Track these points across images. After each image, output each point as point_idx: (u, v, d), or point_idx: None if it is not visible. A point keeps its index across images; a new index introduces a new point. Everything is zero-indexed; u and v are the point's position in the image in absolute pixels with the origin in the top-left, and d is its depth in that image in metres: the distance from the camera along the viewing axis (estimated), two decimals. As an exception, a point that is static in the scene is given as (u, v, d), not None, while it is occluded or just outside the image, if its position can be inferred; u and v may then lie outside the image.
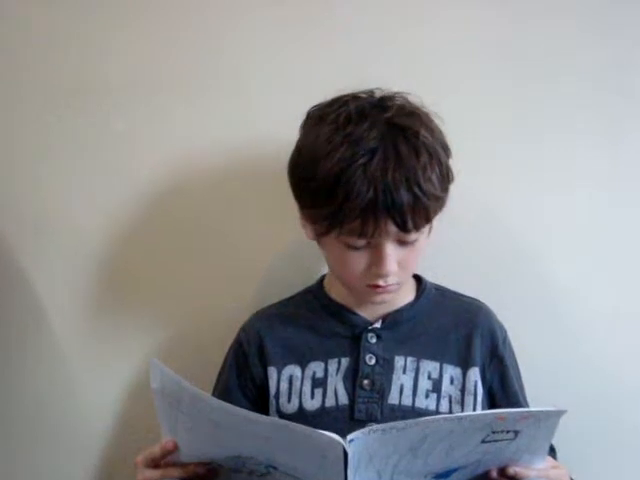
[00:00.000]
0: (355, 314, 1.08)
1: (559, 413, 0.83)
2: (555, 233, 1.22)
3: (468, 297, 1.13)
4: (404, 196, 0.94)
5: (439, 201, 0.99)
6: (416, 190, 0.94)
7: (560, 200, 1.22)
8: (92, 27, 1.22)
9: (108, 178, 1.23)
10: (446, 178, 1.00)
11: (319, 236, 1.02)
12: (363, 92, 1.02)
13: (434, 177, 0.96)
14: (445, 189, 1.00)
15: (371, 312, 1.08)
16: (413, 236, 0.98)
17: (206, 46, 1.22)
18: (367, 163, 0.94)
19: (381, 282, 1.00)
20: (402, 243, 0.99)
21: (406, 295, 1.09)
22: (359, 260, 0.99)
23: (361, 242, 0.98)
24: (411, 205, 0.94)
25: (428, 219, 0.98)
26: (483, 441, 0.84)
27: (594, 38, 1.20)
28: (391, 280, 1.00)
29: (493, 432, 0.83)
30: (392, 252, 0.98)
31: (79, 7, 1.22)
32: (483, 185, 1.19)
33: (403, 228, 0.95)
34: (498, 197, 1.21)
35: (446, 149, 1.01)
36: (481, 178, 1.18)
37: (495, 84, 1.21)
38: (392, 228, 0.95)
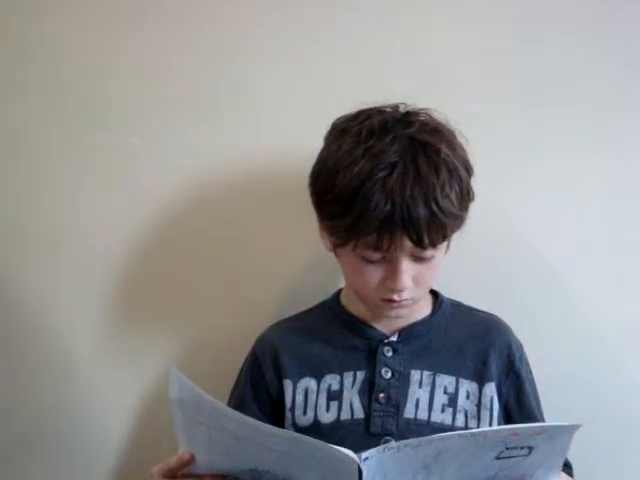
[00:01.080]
0: (371, 327, 1.08)
1: (573, 428, 0.83)
2: (572, 247, 1.22)
3: (484, 312, 1.13)
4: (421, 212, 0.94)
5: (457, 219, 0.99)
6: (433, 206, 0.94)
7: (577, 213, 1.22)
8: (103, 41, 1.22)
9: (122, 192, 1.23)
10: (466, 196, 1.00)
11: (336, 247, 1.02)
12: (388, 106, 1.02)
13: (453, 195, 0.96)
14: (464, 207, 1.00)
15: (387, 325, 1.08)
16: (429, 252, 0.98)
17: (220, 59, 1.22)
18: (386, 177, 0.94)
19: (395, 297, 1.00)
20: (418, 259, 0.98)
21: (423, 309, 1.09)
22: (374, 273, 0.99)
23: (377, 256, 0.98)
24: (427, 221, 0.94)
25: (445, 236, 0.98)
26: (497, 457, 0.83)
27: (598, 49, 1.21)
28: (405, 295, 1.00)
29: (507, 448, 0.82)
30: (407, 267, 0.98)
31: (91, 23, 1.22)
32: (499, 199, 1.19)
33: (419, 244, 0.95)
34: (515, 212, 1.21)
35: (468, 167, 1.01)
36: (497, 192, 1.18)
37: (509, 98, 1.22)
38: (407, 243, 0.95)
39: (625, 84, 1.20)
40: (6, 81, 1.24)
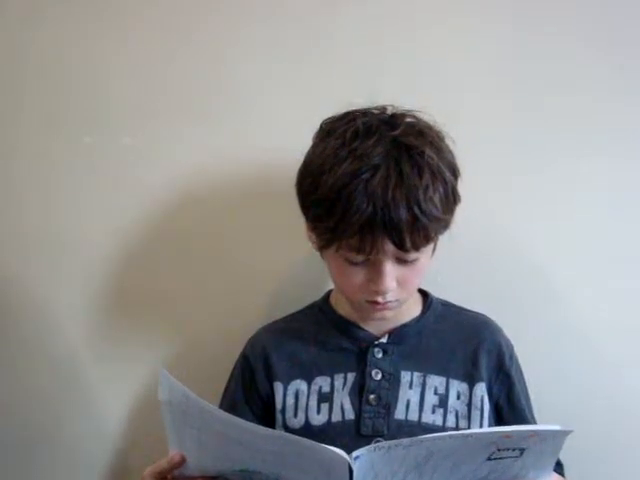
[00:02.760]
0: (361, 329, 1.08)
1: (565, 433, 0.83)
2: (562, 247, 1.22)
3: (474, 312, 1.13)
4: (402, 214, 0.93)
5: (441, 222, 0.98)
6: (415, 209, 0.93)
7: (566, 214, 1.22)
8: (99, 44, 1.23)
9: (117, 193, 1.24)
10: (451, 199, 0.99)
11: (320, 249, 1.02)
12: (375, 108, 1.02)
13: (436, 197, 0.96)
14: (449, 210, 0.99)
15: (377, 327, 1.08)
16: (412, 255, 0.97)
17: (215, 60, 1.22)
18: (369, 179, 0.93)
19: (379, 299, 1.00)
20: (402, 262, 0.98)
21: (412, 310, 1.09)
22: (358, 275, 0.99)
23: (360, 258, 0.97)
24: (409, 224, 0.93)
25: (428, 239, 0.97)
26: (489, 458, 0.83)
27: (593, 52, 1.21)
28: (390, 297, 1.00)
29: (499, 450, 0.83)
30: (390, 270, 0.97)
31: (88, 26, 1.23)
32: (488, 200, 1.19)
33: (401, 247, 0.95)
34: (504, 212, 1.22)
35: (454, 170, 1.00)
36: (485, 193, 1.18)
37: (500, 100, 1.22)
38: (390, 246, 0.95)
39: (620, 87, 1.21)
40: (4, 84, 1.24)
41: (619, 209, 1.22)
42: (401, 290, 1.00)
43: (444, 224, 1.00)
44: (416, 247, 0.96)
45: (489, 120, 1.21)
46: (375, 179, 0.93)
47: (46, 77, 1.24)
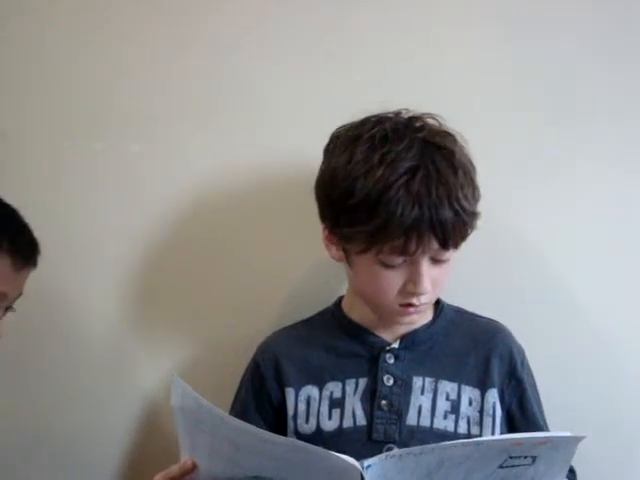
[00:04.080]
0: (373, 334, 1.08)
1: (577, 439, 0.82)
2: (574, 253, 1.22)
3: (486, 318, 1.13)
4: (447, 213, 0.95)
5: (475, 218, 1.00)
6: (457, 207, 0.96)
7: (578, 217, 1.22)
8: (105, 50, 1.23)
9: (125, 200, 1.24)
10: (477, 195, 1.01)
11: (356, 255, 1.01)
12: (391, 113, 1.03)
13: (469, 194, 0.99)
14: (476, 206, 1.01)
15: (389, 333, 1.08)
16: (448, 254, 0.99)
17: (221, 65, 1.22)
18: (409, 181, 0.95)
19: (415, 301, 1.00)
20: (436, 262, 0.99)
21: (424, 316, 1.09)
22: (395, 279, 1.00)
23: (399, 260, 0.98)
24: (453, 222, 0.96)
25: (465, 236, 1.00)
26: (501, 466, 0.83)
27: (599, 52, 1.21)
28: (424, 299, 1.01)
29: (511, 457, 0.82)
30: (428, 270, 0.99)
31: (93, 32, 1.23)
32: (501, 204, 1.19)
33: (444, 245, 0.97)
34: (516, 217, 1.21)
35: (474, 168, 1.02)
36: (498, 196, 1.17)
37: (508, 101, 1.22)
38: (434, 245, 0.97)
39: (628, 88, 1.21)
40: (11, 92, 1.25)
41: (631, 209, 1.22)
42: (433, 291, 1.01)
43: (476, 220, 1.01)
44: (456, 245, 0.99)
45: (496, 123, 1.21)
46: (416, 181, 0.95)
47: (55, 84, 1.24)
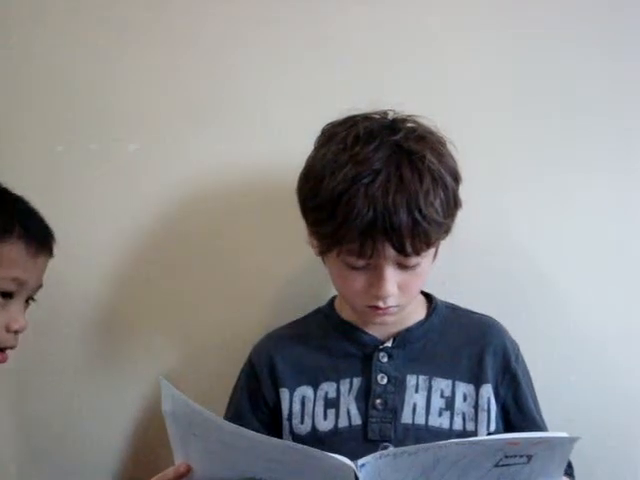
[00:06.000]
0: (366, 333, 1.08)
1: (572, 440, 0.82)
2: (568, 250, 1.22)
3: (479, 314, 1.13)
4: (403, 219, 0.93)
5: (442, 227, 0.98)
6: (416, 214, 0.94)
7: (574, 218, 1.22)
8: (102, 50, 1.23)
9: (122, 199, 1.24)
10: (452, 204, 0.99)
11: (322, 253, 1.02)
12: (377, 113, 1.02)
13: (437, 202, 0.96)
14: (450, 215, 0.99)
15: (382, 331, 1.07)
16: (413, 260, 0.97)
17: (218, 65, 1.22)
18: (369, 184, 0.94)
19: (380, 304, 0.99)
20: (403, 267, 0.98)
21: (417, 314, 1.09)
22: (359, 280, 0.99)
23: (361, 262, 0.97)
24: (410, 229, 0.94)
25: (429, 244, 0.97)
26: (496, 465, 0.83)
27: (598, 54, 1.21)
28: (390, 302, 1.00)
29: (506, 456, 0.82)
30: (391, 275, 0.97)
31: (91, 33, 1.23)
32: (495, 203, 1.20)
33: (401, 251, 0.95)
34: (510, 216, 1.21)
35: (455, 175, 1.00)
36: (493, 196, 1.19)
37: (504, 103, 1.22)
38: (391, 251, 0.95)
39: (627, 90, 1.21)
40: (8, 92, 1.25)
41: (627, 212, 1.22)
42: (402, 295, 1.00)
43: (445, 229, 0.99)
44: (417, 252, 0.96)
45: (493, 124, 1.20)
46: (375, 184, 0.94)
47: (52, 85, 1.24)
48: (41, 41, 1.23)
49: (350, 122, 1.00)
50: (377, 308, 1.00)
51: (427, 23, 1.21)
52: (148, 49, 1.23)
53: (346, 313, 1.10)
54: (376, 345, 1.07)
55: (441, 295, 1.12)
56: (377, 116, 1.01)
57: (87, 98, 1.23)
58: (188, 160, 1.23)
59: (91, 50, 1.23)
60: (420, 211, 0.94)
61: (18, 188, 1.18)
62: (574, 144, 1.21)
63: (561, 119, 1.21)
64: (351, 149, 0.96)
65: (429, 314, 1.10)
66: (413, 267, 0.98)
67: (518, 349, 1.10)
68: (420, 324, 1.09)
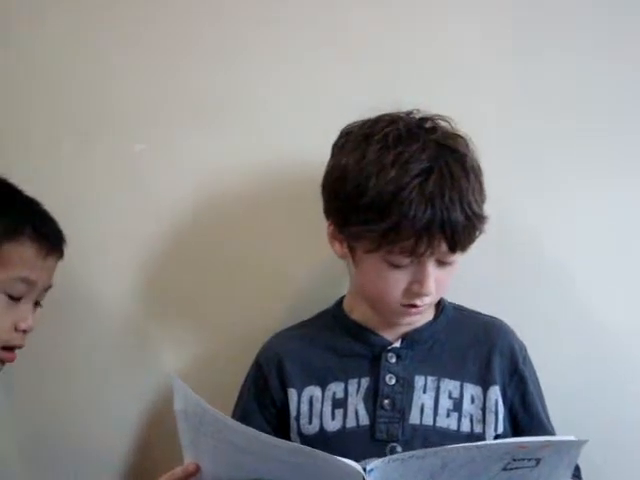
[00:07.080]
0: (375, 334, 1.08)
1: (580, 443, 0.82)
2: (576, 250, 1.21)
3: (487, 315, 1.13)
4: (459, 216, 0.96)
5: (483, 221, 1.00)
6: (467, 210, 0.96)
7: (582, 216, 1.21)
8: (107, 50, 1.23)
9: (129, 200, 1.24)
10: (485, 198, 1.01)
11: (363, 253, 1.01)
12: (402, 113, 1.03)
13: (479, 198, 0.99)
14: (484, 210, 1.01)
15: (391, 332, 1.07)
16: (454, 257, 0.99)
17: (224, 64, 1.22)
18: (423, 183, 0.95)
19: (418, 302, 1.00)
20: (441, 264, 1.00)
21: (425, 315, 1.09)
22: (400, 279, 1.00)
23: (406, 261, 0.98)
24: (464, 225, 0.96)
25: (473, 240, 1.00)
26: (504, 468, 0.83)
27: (604, 52, 1.21)
28: (427, 300, 1.01)
29: (514, 460, 0.82)
30: (432, 272, 0.99)
31: (95, 31, 1.23)
32: (503, 202, 1.18)
33: (453, 248, 0.97)
34: (522, 216, 1.21)
35: (482, 172, 1.02)
36: (500, 195, 1.17)
37: (514, 98, 1.22)
38: (443, 247, 0.97)
39: (632, 87, 1.20)
40: (13, 92, 1.25)
41: (629, 212, 1.22)
42: (436, 293, 1.01)
43: (484, 223, 1.01)
44: (464, 248, 0.99)
45: (501, 120, 1.20)
46: (429, 182, 0.95)
47: (57, 85, 1.24)
48: (45, 41, 1.23)
49: (383, 122, 1.01)
50: (413, 306, 1.01)
51: (427, 23, 1.21)
52: (151, 49, 1.23)
53: (355, 314, 1.10)
54: (384, 346, 1.07)
55: (447, 296, 1.11)
56: (403, 115, 1.02)
57: (92, 98, 1.23)
58: (199, 160, 1.23)
59: (95, 50, 1.23)
60: (471, 207, 0.97)
61: (23, 188, 1.19)
62: (579, 142, 1.21)
63: (567, 118, 1.21)
64: (394, 148, 0.97)
65: (437, 315, 1.10)
66: (450, 264, 1.00)
67: (526, 351, 1.10)
68: (429, 325, 1.09)
